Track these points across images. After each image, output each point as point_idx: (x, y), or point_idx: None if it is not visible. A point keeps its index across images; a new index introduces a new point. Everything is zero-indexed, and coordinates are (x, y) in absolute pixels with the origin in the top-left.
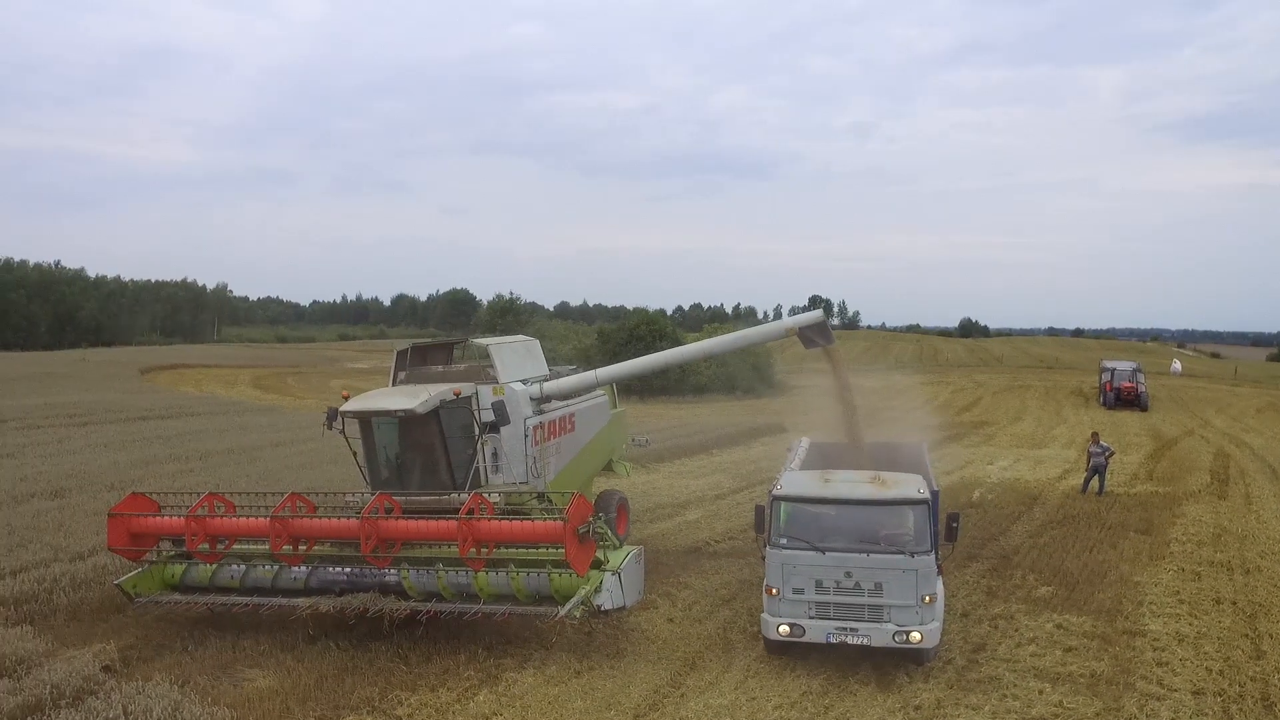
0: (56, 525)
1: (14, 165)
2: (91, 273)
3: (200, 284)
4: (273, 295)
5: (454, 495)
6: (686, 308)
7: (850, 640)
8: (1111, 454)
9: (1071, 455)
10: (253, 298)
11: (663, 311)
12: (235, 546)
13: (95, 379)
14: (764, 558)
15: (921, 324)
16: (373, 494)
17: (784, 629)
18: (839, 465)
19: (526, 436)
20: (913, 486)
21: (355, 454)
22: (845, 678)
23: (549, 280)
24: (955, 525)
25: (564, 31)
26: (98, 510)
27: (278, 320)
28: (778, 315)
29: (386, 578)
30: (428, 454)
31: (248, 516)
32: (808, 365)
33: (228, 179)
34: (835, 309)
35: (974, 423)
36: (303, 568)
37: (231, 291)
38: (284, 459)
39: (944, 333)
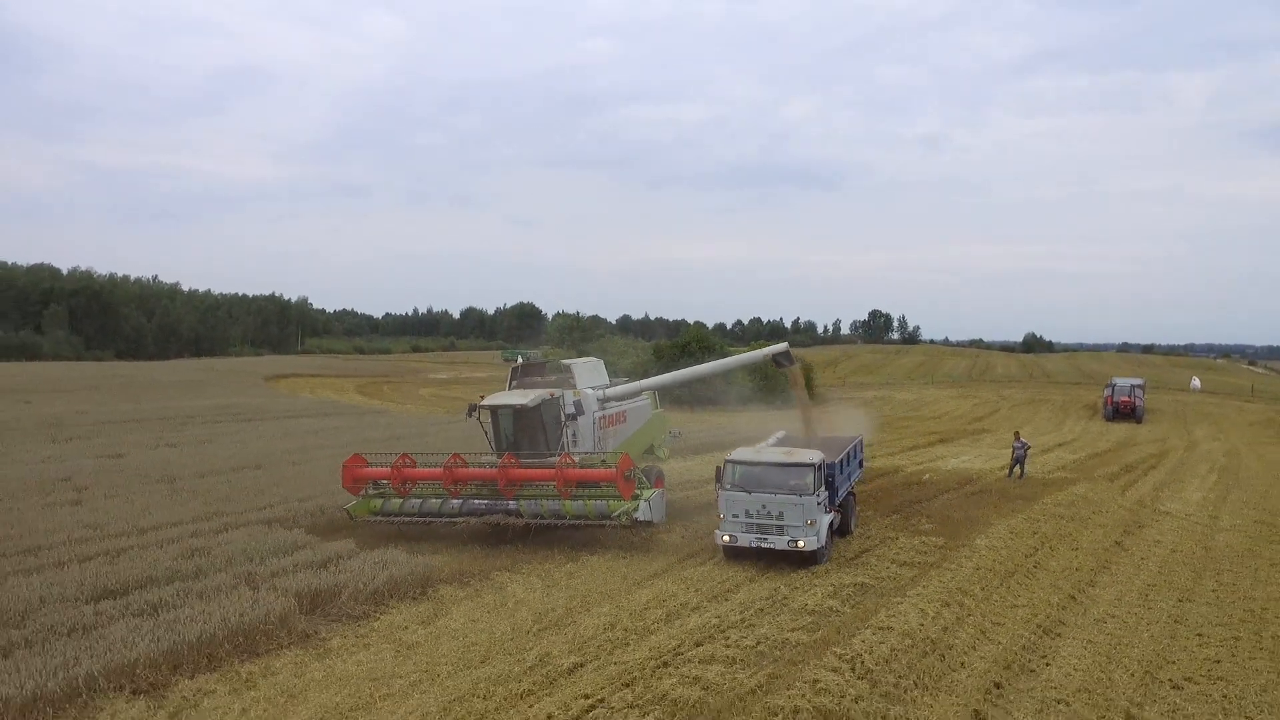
0: (272, 484)
1: (109, 181)
2: (185, 286)
3: (285, 298)
4: (347, 308)
5: (550, 457)
6: (746, 321)
7: (764, 545)
8: (1028, 448)
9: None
10: (329, 310)
11: (723, 325)
12: (414, 487)
13: (232, 385)
14: (717, 497)
15: (985, 339)
16: (499, 457)
17: (726, 539)
18: (793, 447)
19: (594, 424)
20: (807, 456)
21: (485, 432)
22: (779, 562)
23: (614, 292)
24: (831, 478)
25: (635, 45)
26: (293, 477)
27: (353, 332)
28: (836, 329)
29: (510, 505)
30: (533, 432)
31: (426, 467)
32: (851, 380)
33: (306, 194)
34: (895, 323)
35: (975, 430)
36: (458, 500)
37: (311, 304)
38: (405, 449)
39: (1007, 348)
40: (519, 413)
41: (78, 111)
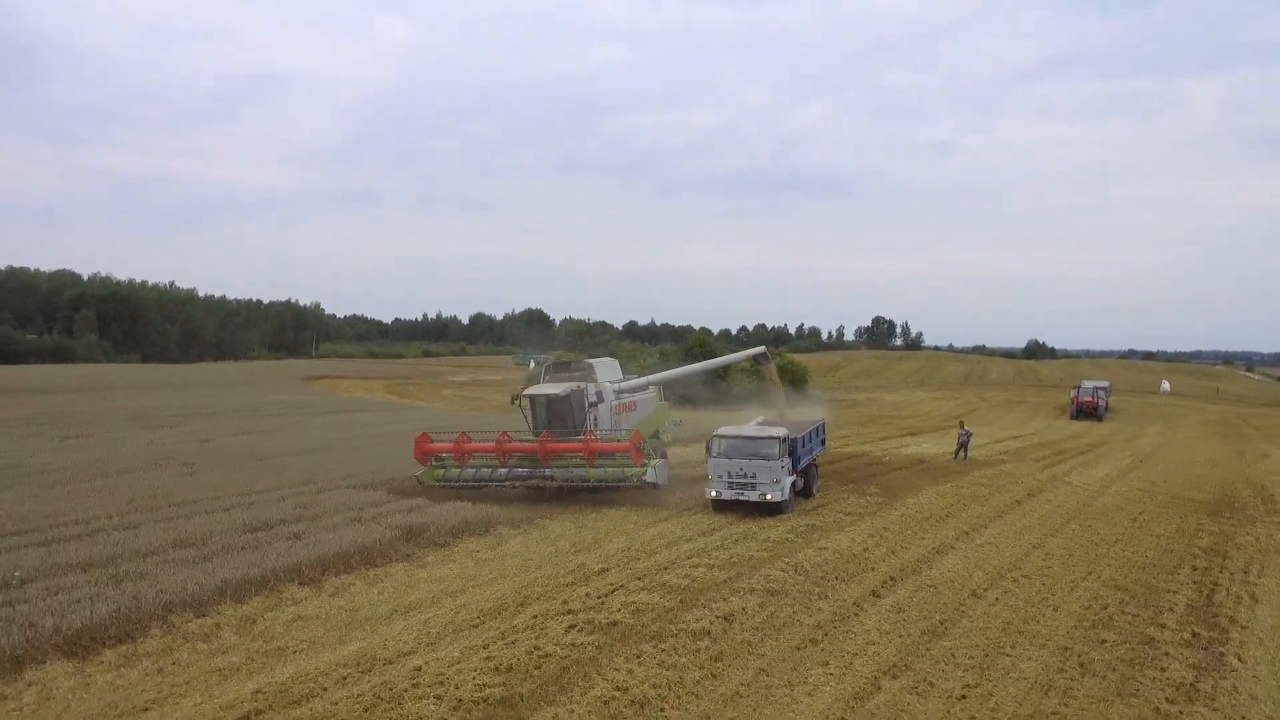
0: (345, 461)
1: (121, 187)
2: (201, 292)
3: (300, 303)
4: (357, 313)
5: (578, 436)
6: (751, 327)
7: (741, 498)
8: (971, 435)
9: (978, 442)
10: (340, 315)
11: (728, 331)
12: (470, 459)
13: (275, 385)
14: (707, 464)
15: (990, 345)
16: (536, 436)
17: (713, 494)
18: (769, 427)
19: (612, 410)
20: (774, 431)
21: (525, 415)
22: (753, 512)
23: (620, 297)
24: (794, 449)
25: (646, 52)
26: (360, 457)
27: (364, 337)
28: (840, 335)
29: (547, 471)
30: (564, 416)
31: (481, 442)
32: (848, 383)
33: (316, 200)
34: (898, 330)
35: (947, 426)
36: (505, 468)
37: (324, 309)
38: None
39: (1009, 354)
40: (552, 400)
41: (88, 117)
